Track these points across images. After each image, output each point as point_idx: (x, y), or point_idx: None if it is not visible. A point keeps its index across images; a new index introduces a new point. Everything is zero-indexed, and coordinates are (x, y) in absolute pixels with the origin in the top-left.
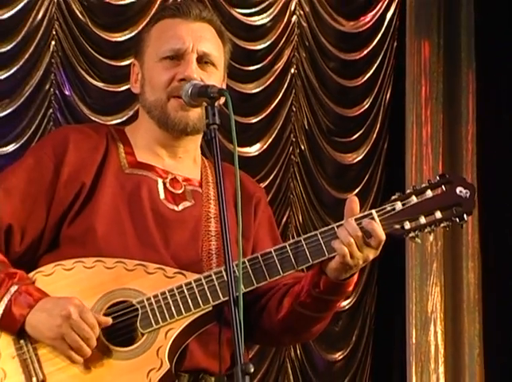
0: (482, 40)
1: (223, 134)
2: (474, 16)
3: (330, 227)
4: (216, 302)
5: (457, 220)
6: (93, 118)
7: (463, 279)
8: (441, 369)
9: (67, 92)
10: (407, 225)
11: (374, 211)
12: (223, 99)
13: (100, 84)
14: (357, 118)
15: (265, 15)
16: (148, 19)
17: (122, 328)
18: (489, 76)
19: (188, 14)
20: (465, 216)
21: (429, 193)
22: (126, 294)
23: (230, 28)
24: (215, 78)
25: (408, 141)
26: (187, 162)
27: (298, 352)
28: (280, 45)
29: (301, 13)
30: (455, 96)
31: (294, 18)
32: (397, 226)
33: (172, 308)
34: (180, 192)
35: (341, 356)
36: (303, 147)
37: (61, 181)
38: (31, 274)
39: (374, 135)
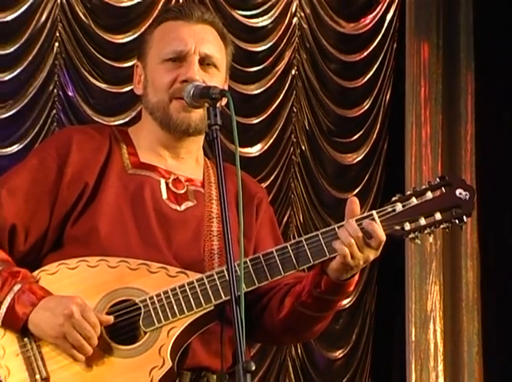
0: (481, 41)
1: (225, 135)
2: (472, 17)
3: (331, 227)
4: (218, 302)
5: (457, 221)
6: (96, 119)
7: (462, 278)
8: (440, 367)
9: (70, 93)
10: (407, 226)
11: (374, 212)
12: (224, 100)
13: (103, 85)
14: (357, 118)
15: (266, 17)
16: (150, 21)
17: (124, 326)
18: (488, 77)
19: (190, 16)
20: (464, 217)
21: (429, 195)
22: (129, 292)
23: (232, 30)
24: (217, 79)
25: (407, 141)
26: (189, 163)
27: (299, 350)
28: (281, 47)
29: (302, 15)
30: (454, 97)
31: (295, 20)
32: (398, 227)
33: (175, 307)
34: (182, 192)
35: (341, 355)
36: (303, 147)
37: (64, 181)
38: (35, 273)
39: (374, 136)
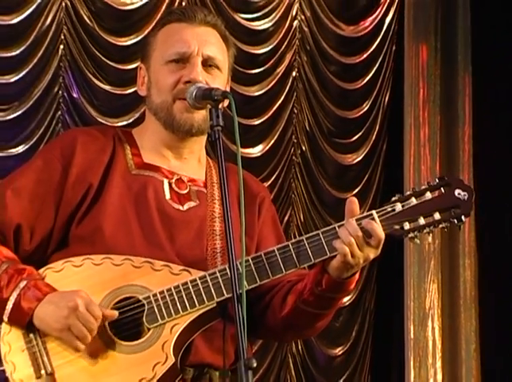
0: (479, 43)
1: (227, 136)
2: (470, 20)
3: (331, 227)
4: (220, 299)
5: (455, 221)
6: (100, 120)
7: (460, 277)
8: (439, 364)
9: (75, 95)
10: (406, 226)
11: (374, 212)
12: (226, 102)
13: (107, 87)
14: (357, 120)
15: (267, 20)
16: (153, 24)
17: (128, 323)
18: (485, 79)
19: (193, 19)
20: (463, 217)
21: (428, 195)
22: (133, 290)
23: (234, 32)
24: (220, 81)
25: (406, 142)
26: (192, 163)
27: (300, 347)
28: (282, 49)
29: (303, 18)
30: (452, 98)
31: (296, 23)
32: (397, 226)
33: (178, 304)
34: (185, 192)
35: (341, 351)
36: (304, 148)
37: (69, 182)
38: (41, 271)
39: (374, 137)
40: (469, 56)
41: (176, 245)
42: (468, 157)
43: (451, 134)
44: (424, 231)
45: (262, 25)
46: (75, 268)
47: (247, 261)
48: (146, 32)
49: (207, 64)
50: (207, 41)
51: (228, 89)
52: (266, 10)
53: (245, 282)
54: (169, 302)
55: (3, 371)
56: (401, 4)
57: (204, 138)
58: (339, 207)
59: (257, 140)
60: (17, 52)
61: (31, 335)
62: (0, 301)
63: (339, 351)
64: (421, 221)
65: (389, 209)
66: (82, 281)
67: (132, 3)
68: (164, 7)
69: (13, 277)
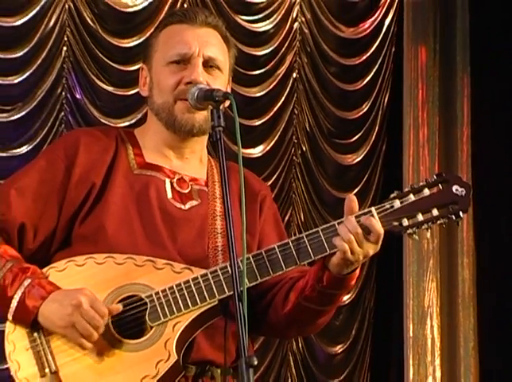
0: (477, 45)
1: (228, 136)
2: (469, 22)
3: (331, 224)
4: (222, 296)
5: (453, 217)
6: (103, 121)
7: (459, 275)
8: (437, 362)
9: (78, 96)
10: (405, 222)
11: (373, 208)
12: (227, 103)
13: (110, 88)
14: (356, 120)
15: (268, 22)
16: (155, 26)
17: (131, 321)
18: (483, 80)
19: (194, 20)
20: (461, 213)
21: (426, 192)
22: (136, 288)
23: (235, 34)
24: (220, 81)
25: (405, 142)
26: (193, 163)
27: (300, 345)
28: (282, 51)
29: (303, 19)
30: (450, 100)
31: (296, 25)
32: (396, 223)
33: (180, 302)
34: (186, 191)
35: (341, 349)
36: (304, 148)
37: (72, 181)
38: (44, 270)
39: (373, 137)
40: (467, 58)
41: (178, 244)
42: (466, 157)
43: (450, 134)
44: (423, 227)
45: (263, 26)
46: (78, 267)
47: (248, 258)
48: (148, 34)
49: (208, 64)
50: (207, 42)
51: (229, 90)
52: (267, 12)
53: (246, 280)
54: (171, 300)
55: (7, 368)
56: (401, 6)
57: (205, 137)
58: (339, 206)
59: (258, 140)
60: (21, 53)
61: (35, 334)
62: (4, 299)
63: (339, 349)
64: (420, 217)
65: (388, 206)
66: (85, 280)
67: (134, 5)
68: (166, 9)
69: (17, 275)
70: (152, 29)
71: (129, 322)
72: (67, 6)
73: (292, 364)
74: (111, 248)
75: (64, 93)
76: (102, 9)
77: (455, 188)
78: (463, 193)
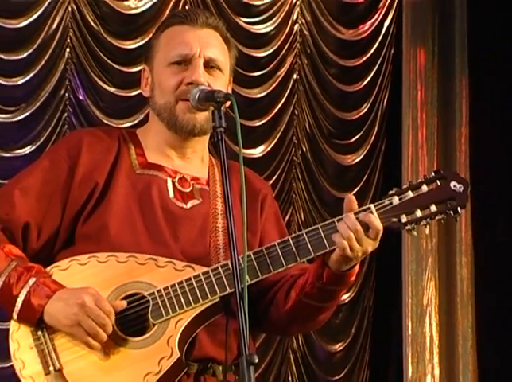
0: (475, 47)
1: (229, 137)
2: (467, 24)
3: (330, 221)
4: (223, 294)
5: (451, 213)
6: (106, 122)
7: (457, 274)
8: (436, 359)
9: (81, 97)
10: (404, 218)
11: (372, 205)
12: (228, 103)
13: (112, 89)
14: (356, 121)
15: (268, 24)
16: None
17: (134, 319)
18: (481, 82)
19: (195, 21)
20: (459, 209)
21: (425, 188)
22: (138, 286)
23: (236, 36)
24: (221, 82)
25: (404, 143)
26: (195, 162)
27: (300, 343)
28: (283, 52)
29: (303, 21)
30: (449, 101)
31: (296, 27)
32: (395, 219)
33: (182, 299)
34: (188, 190)
35: (341, 347)
36: (305, 149)
37: (75, 181)
38: (48, 269)
39: (372, 138)
40: (465, 60)
41: (180, 242)
42: (465, 157)
43: (448, 135)
44: (422, 223)
45: (264, 28)
46: (81, 266)
47: (249, 256)
48: (150, 35)
49: (209, 65)
50: (208, 43)
51: (230, 90)
52: (268, 14)
53: (247, 277)
54: (173, 297)
55: (11, 366)
56: (400, 8)
57: (207, 137)
58: (338, 206)
59: (258, 141)
60: (25, 55)
61: (39, 332)
62: (10, 298)
63: (338, 347)
64: (418, 214)
65: (387, 202)
66: (87, 278)
67: (136, 7)
68: (167, 11)
69: (22, 274)
70: (154, 31)
71: (132, 320)
72: (70, 8)
73: (292, 361)
74: (114, 247)
75: (67, 94)
76: (105, 11)
77: (452, 184)
78: (461, 189)
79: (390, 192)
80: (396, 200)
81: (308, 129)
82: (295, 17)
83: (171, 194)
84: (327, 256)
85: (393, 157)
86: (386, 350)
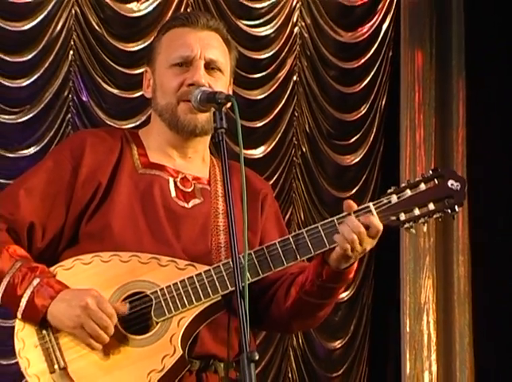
0: (472, 49)
1: (230, 138)
2: (464, 27)
3: (330, 219)
4: (224, 292)
5: (449, 211)
6: (109, 123)
7: (454, 273)
8: (433, 356)
9: (84, 98)
10: (402, 217)
11: (371, 204)
12: (229, 104)
13: (115, 91)
14: (355, 122)
15: (269, 26)
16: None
17: (137, 317)
18: (478, 83)
19: (196, 23)
20: (456, 207)
21: (423, 186)
22: (141, 285)
23: (236, 38)
24: (222, 83)
25: (402, 143)
26: (196, 162)
27: (300, 340)
28: (283, 55)
29: (303, 24)
30: (446, 102)
31: (296, 29)
32: (393, 217)
33: (184, 298)
34: (190, 190)
35: (340, 345)
36: (304, 149)
37: (79, 181)
38: (52, 269)
39: (371, 138)
40: (463, 62)
41: (182, 241)
42: (462, 158)
43: (446, 135)
44: (420, 221)
45: (264, 31)
46: (85, 266)
47: (250, 254)
48: (153, 38)
49: (210, 66)
50: (209, 45)
51: (231, 91)
52: (268, 17)
53: (248, 275)
54: (176, 296)
55: (16, 363)
56: (398, 11)
57: (208, 138)
58: (338, 206)
59: (259, 142)
60: (29, 57)
61: (44, 331)
62: (14, 298)
63: (338, 344)
64: (416, 212)
65: (386, 201)
66: (91, 278)
67: (139, 10)
68: (169, 14)
69: (26, 275)
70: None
71: (135, 318)
72: (73, 11)
73: (292, 358)
74: (117, 245)
75: (70, 96)
76: (108, 14)
77: (450, 182)
78: (459, 187)
79: (389, 191)
80: (394, 198)
81: (307, 130)
82: (295, 20)
83: (173, 193)
84: (326, 254)
85: (392, 158)
86: (385, 347)
